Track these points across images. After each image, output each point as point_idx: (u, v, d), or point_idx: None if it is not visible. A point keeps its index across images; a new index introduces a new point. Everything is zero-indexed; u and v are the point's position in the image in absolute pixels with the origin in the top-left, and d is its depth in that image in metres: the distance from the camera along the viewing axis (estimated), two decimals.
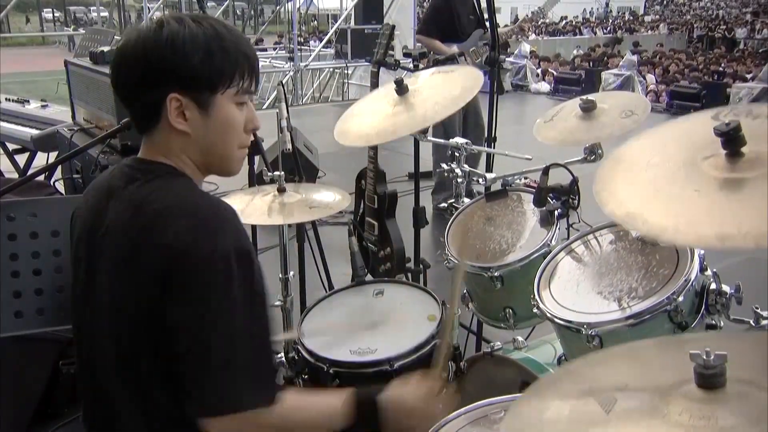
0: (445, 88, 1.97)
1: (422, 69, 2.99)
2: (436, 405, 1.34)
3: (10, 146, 4.13)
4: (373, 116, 1.99)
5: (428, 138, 2.23)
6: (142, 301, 1.11)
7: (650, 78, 11.75)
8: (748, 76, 11.13)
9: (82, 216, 1.27)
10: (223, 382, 1.10)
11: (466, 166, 2.21)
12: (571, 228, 1.88)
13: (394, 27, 3.09)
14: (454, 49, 4.28)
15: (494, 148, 3.08)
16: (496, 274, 1.80)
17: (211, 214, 1.12)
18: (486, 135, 3.16)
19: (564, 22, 29.46)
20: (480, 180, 2.15)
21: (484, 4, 4.18)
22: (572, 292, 1.57)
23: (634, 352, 1.09)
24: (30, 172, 3.92)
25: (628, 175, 1.12)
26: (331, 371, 1.62)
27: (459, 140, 2.21)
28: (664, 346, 1.08)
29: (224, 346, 1.09)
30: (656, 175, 1.09)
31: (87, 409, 1.30)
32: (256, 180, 2.59)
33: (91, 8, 23.09)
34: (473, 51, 4.26)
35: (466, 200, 2.17)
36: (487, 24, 4.26)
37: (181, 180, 1.19)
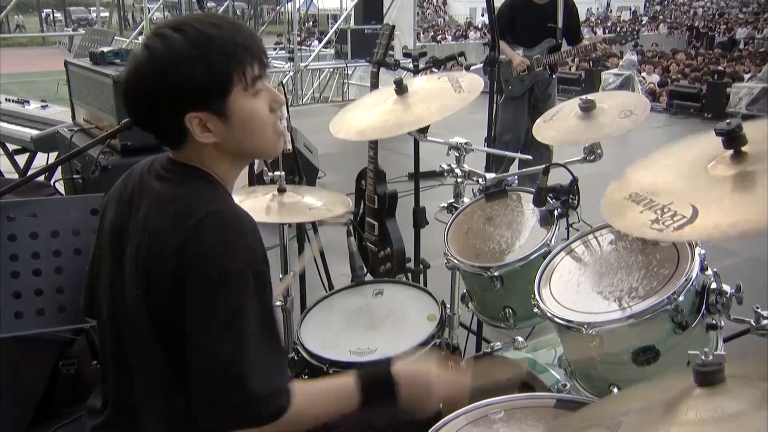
0: (443, 92, 1.97)
1: (422, 69, 3.00)
2: (451, 379, 1.31)
3: (10, 147, 4.12)
4: (369, 112, 2.00)
5: (428, 138, 2.23)
6: (159, 299, 1.13)
7: (650, 78, 11.74)
8: (747, 76, 11.12)
9: (114, 209, 1.27)
10: (243, 392, 1.07)
11: (466, 165, 2.21)
12: (570, 228, 1.88)
13: (394, 27, 3.09)
14: (519, 53, 4.51)
15: (494, 148, 3.08)
16: (495, 273, 1.80)
17: (235, 227, 1.12)
18: (488, 136, 3.17)
19: None
20: (480, 180, 2.15)
21: (561, 15, 4.46)
22: (572, 292, 1.57)
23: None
24: (30, 172, 3.92)
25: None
26: (330, 371, 1.62)
27: (459, 140, 2.21)
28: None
29: (236, 353, 1.08)
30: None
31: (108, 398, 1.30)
32: (256, 180, 2.59)
33: (91, 8, 23.08)
34: (536, 59, 4.49)
35: (466, 200, 2.17)
36: (559, 34, 4.58)
37: (210, 186, 1.20)
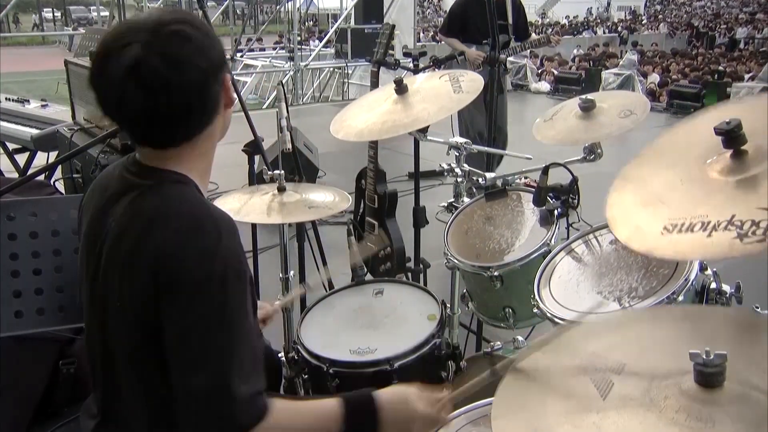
0: (444, 91, 1.97)
1: (423, 68, 3.01)
2: (437, 414, 1.26)
3: (10, 146, 4.13)
4: (369, 113, 2.00)
5: (428, 138, 2.23)
6: (140, 304, 1.12)
7: (650, 77, 11.75)
8: (747, 75, 11.12)
9: (87, 218, 1.27)
10: (209, 399, 1.06)
11: (466, 165, 2.21)
12: (570, 227, 1.88)
13: (394, 26, 3.10)
14: (472, 50, 4.54)
15: (494, 147, 3.08)
16: (495, 273, 1.80)
17: (211, 230, 1.12)
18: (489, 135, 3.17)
19: (566, 20, 29.55)
20: (480, 179, 2.15)
21: (510, 12, 4.57)
22: (572, 292, 1.57)
23: (628, 326, 1.08)
24: (30, 171, 3.92)
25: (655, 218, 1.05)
26: (330, 371, 1.62)
27: (459, 140, 2.21)
28: (657, 322, 1.08)
29: (222, 364, 1.07)
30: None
31: (97, 396, 1.30)
32: (255, 179, 2.58)
33: (91, 7, 23.07)
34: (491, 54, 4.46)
35: (466, 200, 2.17)
36: (511, 30, 4.69)
37: (185, 189, 1.19)
